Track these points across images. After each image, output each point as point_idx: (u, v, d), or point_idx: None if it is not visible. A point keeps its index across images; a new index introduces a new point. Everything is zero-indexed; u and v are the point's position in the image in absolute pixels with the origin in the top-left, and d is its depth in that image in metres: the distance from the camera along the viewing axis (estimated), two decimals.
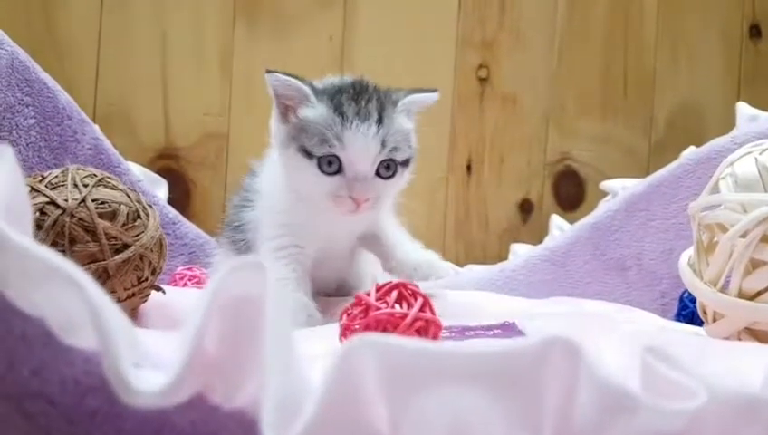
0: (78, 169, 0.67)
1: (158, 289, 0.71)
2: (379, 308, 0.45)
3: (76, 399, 0.28)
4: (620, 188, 1.09)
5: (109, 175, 0.68)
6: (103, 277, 0.63)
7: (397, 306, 0.47)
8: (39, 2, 1.15)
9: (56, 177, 0.65)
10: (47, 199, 0.63)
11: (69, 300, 0.27)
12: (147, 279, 0.67)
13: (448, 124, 1.27)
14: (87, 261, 0.62)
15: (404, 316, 0.45)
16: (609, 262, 1.03)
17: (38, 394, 0.28)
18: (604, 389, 0.25)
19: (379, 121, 0.70)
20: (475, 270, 1.16)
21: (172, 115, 1.19)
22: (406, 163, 0.74)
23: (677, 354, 0.44)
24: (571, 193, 1.31)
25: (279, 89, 0.72)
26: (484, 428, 0.24)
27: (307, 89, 0.71)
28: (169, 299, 0.73)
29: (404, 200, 1.25)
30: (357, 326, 0.45)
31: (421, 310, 0.46)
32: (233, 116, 1.21)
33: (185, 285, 0.94)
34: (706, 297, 0.57)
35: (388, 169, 0.72)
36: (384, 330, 0.45)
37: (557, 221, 1.19)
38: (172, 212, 1.03)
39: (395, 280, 0.47)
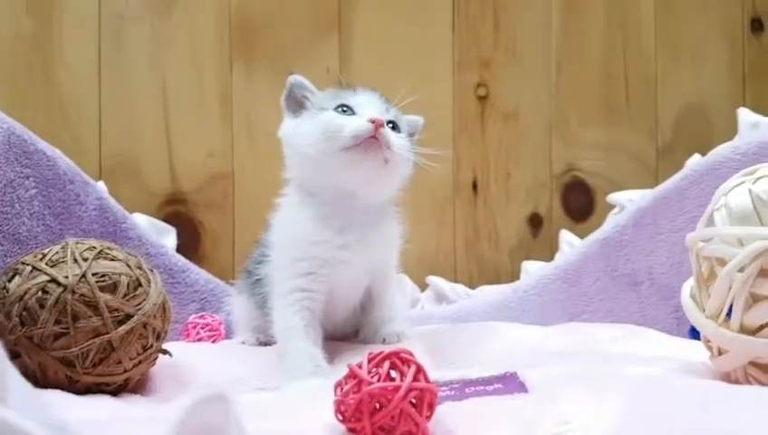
0: (77, 243, 0.68)
1: (165, 352, 0.72)
2: (371, 382, 0.45)
3: None
4: (627, 201, 1.08)
5: (108, 245, 0.69)
6: (108, 350, 0.64)
7: (394, 372, 0.47)
8: (39, 63, 1.17)
9: (56, 253, 0.66)
10: (48, 278, 0.64)
11: None
12: (152, 346, 0.68)
13: (450, 145, 1.27)
14: (91, 335, 0.64)
15: (397, 389, 0.45)
16: (621, 278, 1.02)
17: None
18: None
19: (382, 96, 0.79)
20: (486, 291, 1.16)
21: (176, 160, 1.21)
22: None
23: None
24: (581, 204, 1.30)
25: (296, 88, 0.80)
26: None
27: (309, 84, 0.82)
28: (177, 360, 0.74)
29: (411, 226, 1.26)
30: (351, 401, 0.45)
31: (415, 378, 0.46)
32: (236, 155, 1.22)
33: (197, 333, 0.95)
34: (709, 332, 0.56)
35: (393, 128, 0.77)
36: (378, 404, 0.45)
37: (566, 237, 1.18)
38: (181, 260, 1.04)
39: (386, 349, 0.47)
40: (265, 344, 0.85)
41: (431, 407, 0.47)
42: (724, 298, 0.54)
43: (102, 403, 0.62)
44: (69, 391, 0.62)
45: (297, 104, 0.81)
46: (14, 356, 0.63)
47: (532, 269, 1.15)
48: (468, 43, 1.28)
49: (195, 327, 0.96)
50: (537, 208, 1.29)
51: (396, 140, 0.76)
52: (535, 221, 1.29)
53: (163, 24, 1.20)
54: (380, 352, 0.47)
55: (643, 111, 1.31)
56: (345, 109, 0.76)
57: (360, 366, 0.46)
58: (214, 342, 0.93)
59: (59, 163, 0.85)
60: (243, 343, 0.88)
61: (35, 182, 0.81)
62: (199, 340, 0.94)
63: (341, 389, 0.47)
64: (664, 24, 1.29)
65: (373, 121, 0.73)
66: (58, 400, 0.59)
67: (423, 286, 1.20)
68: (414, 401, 0.46)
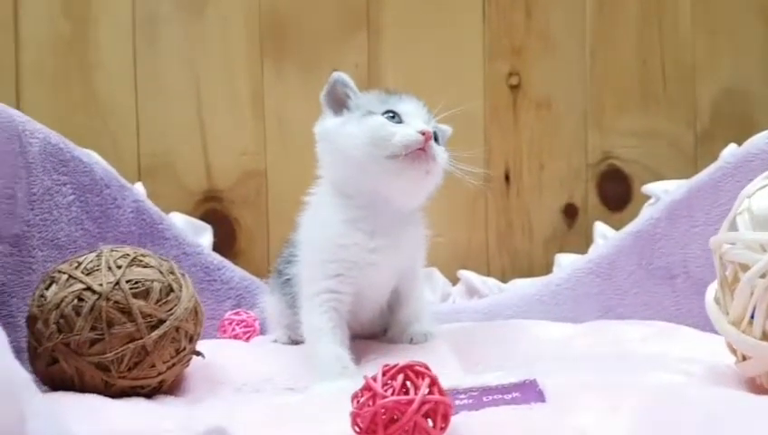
0: (112, 251, 0.70)
1: (198, 354, 0.74)
2: (384, 396, 0.46)
3: None
4: (662, 192, 1.06)
5: (142, 252, 0.72)
6: (142, 354, 0.67)
7: (409, 384, 0.48)
8: (76, 65, 1.21)
9: (91, 261, 0.69)
10: (84, 286, 0.67)
11: None
12: (185, 349, 0.71)
13: (482, 136, 1.26)
14: (125, 341, 0.66)
15: (410, 402, 0.46)
16: (656, 271, 1.01)
17: None
18: None
19: (425, 106, 0.80)
20: (519, 285, 1.16)
21: (212, 158, 1.23)
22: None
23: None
24: (618, 192, 1.28)
25: (339, 84, 0.80)
26: None
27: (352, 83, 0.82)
28: (210, 361, 0.76)
29: (443, 219, 1.26)
30: (366, 413, 0.46)
31: (429, 391, 0.47)
32: (268, 153, 1.24)
33: (233, 330, 0.97)
34: (731, 338, 0.55)
35: (435, 139, 0.77)
36: (392, 417, 0.46)
37: (600, 228, 1.17)
38: (217, 258, 1.06)
39: (401, 363, 0.48)
40: (297, 342, 0.87)
41: (445, 419, 0.47)
42: (746, 304, 0.54)
43: (137, 406, 0.64)
44: (105, 394, 0.65)
45: (338, 102, 0.81)
46: (53, 362, 0.66)
47: (565, 262, 1.14)
48: (499, 32, 1.27)
49: (230, 324, 0.98)
50: (572, 199, 1.28)
51: (442, 154, 0.78)
52: (570, 211, 1.28)
53: (195, 25, 1.22)
54: (395, 365, 0.48)
55: (680, 97, 1.27)
56: (393, 115, 0.76)
57: (374, 379, 0.47)
58: (249, 338, 0.96)
59: (95, 169, 0.88)
60: (275, 340, 0.90)
61: (72, 189, 0.84)
62: (235, 336, 0.96)
63: (358, 401, 0.48)
64: (701, 7, 1.25)
65: (423, 133, 0.74)
66: (95, 403, 0.62)
67: (455, 280, 1.21)
68: (428, 413, 0.47)
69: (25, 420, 0.31)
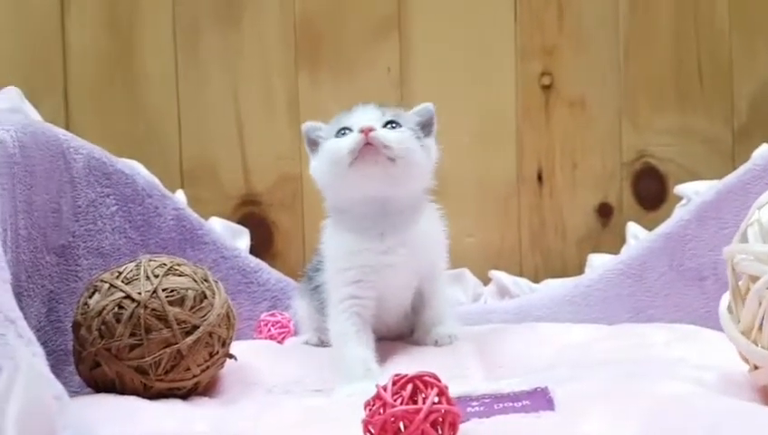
0: (150, 260, 0.75)
1: (231, 357, 0.78)
2: (393, 405, 0.49)
3: None
4: (693, 193, 1.06)
5: (178, 261, 0.76)
6: (178, 358, 0.71)
7: (421, 395, 0.50)
8: (121, 76, 1.26)
9: (131, 271, 0.73)
10: (124, 294, 0.71)
11: None
12: (218, 352, 0.75)
13: (514, 136, 1.27)
14: (162, 346, 0.71)
15: (418, 411, 0.48)
16: (686, 273, 1.01)
17: None
18: None
19: (381, 105, 0.84)
20: (550, 285, 1.17)
21: (250, 163, 1.28)
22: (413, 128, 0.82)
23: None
24: (653, 191, 1.27)
25: (310, 132, 0.87)
26: None
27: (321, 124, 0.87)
28: (243, 363, 0.80)
29: (474, 219, 1.27)
30: (376, 421, 0.49)
31: (438, 401, 0.49)
32: (304, 157, 1.27)
33: (268, 330, 1.01)
34: (741, 347, 0.56)
35: (393, 127, 0.80)
36: (401, 426, 0.49)
37: (632, 229, 1.17)
38: (254, 261, 1.10)
39: (410, 373, 0.51)
40: (326, 344, 0.90)
41: (453, 427, 0.50)
42: (755, 314, 0.54)
43: (173, 407, 0.68)
44: (144, 396, 0.69)
45: (315, 145, 0.86)
46: (96, 366, 0.71)
47: (597, 263, 1.15)
48: (531, 31, 1.27)
49: (266, 325, 1.02)
50: (606, 198, 1.28)
51: (394, 135, 0.79)
52: (604, 211, 1.28)
53: (233, 35, 1.26)
54: (404, 376, 0.51)
55: (717, 94, 1.26)
56: (344, 131, 0.80)
57: (385, 389, 0.50)
58: (284, 339, 1.00)
59: (137, 180, 0.93)
60: (306, 342, 0.94)
61: (115, 199, 0.89)
62: (270, 337, 1.00)
63: (369, 408, 0.51)
64: (738, 4, 1.23)
65: (362, 130, 0.77)
66: (134, 405, 0.67)
67: (486, 280, 1.22)
68: (436, 421, 0.49)
69: (56, 433, 0.34)
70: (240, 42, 1.27)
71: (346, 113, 0.83)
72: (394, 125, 0.81)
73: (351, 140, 0.78)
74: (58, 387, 0.40)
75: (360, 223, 0.81)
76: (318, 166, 0.84)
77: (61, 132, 0.82)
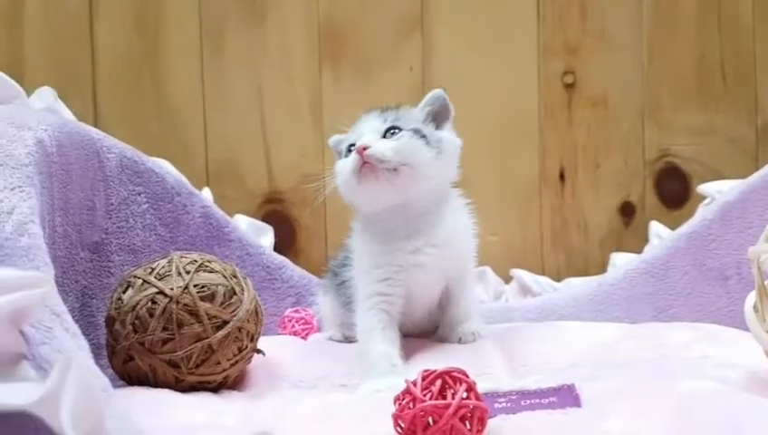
0: (181, 257, 0.77)
1: (259, 352, 0.80)
2: (423, 400, 0.50)
3: None
4: (716, 193, 1.05)
5: (209, 258, 0.78)
6: (208, 352, 0.73)
7: (450, 390, 0.51)
8: (148, 76, 1.28)
9: (163, 267, 0.75)
10: (157, 290, 0.73)
11: None
12: (246, 347, 0.76)
13: (537, 135, 1.28)
14: (193, 340, 0.72)
15: (447, 406, 0.49)
16: (710, 272, 1.01)
17: None
18: None
19: (384, 110, 0.84)
20: (572, 284, 1.17)
21: (273, 161, 1.29)
22: (422, 135, 0.82)
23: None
24: (676, 190, 1.27)
25: (335, 146, 0.90)
26: None
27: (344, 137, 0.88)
28: (270, 358, 0.82)
29: (496, 217, 1.28)
30: (406, 416, 0.50)
31: (466, 396, 0.50)
32: (326, 155, 1.29)
33: (292, 326, 1.03)
34: (766, 346, 0.56)
35: (393, 132, 0.81)
36: (430, 420, 0.50)
37: (655, 228, 1.17)
38: (278, 258, 1.12)
39: (439, 369, 0.52)
40: (350, 340, 0.92)
41: (482, 422, 0.51)
42: None
43: (204, 399, 0.70)
44: (176, 389, 0.71)
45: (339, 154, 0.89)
46: (129, 359, 0.73)
47: (620, 262, 1.15)
48: (554, 30, 1.28)
49: (290, 321, 1.04)
50: (629, 197, 1.28)
51: (390, 145, 0.79)
52: (627, 210, 1.28)
53: (257, 35, 1.28)
54: (434, 371, 0.52)
55: (741, 92, 1.25)
56: (351, 147, 0.82)
57: (415, 384, 0.51)
58: (307, 335, 1.01)
59: (167, 178, 0.95)
60: (330, 338, 0.95)
61: (146, 198, 0.91)
62: (294, 333, 1.02)
63: (399, 403, 0.52)
64: (763, 1, 1.23)
65: (357, 151, 0.79)
66: (166, 397, 0.68)
67: (508, 279, 1.23)
68: (465, 416, 0.50)
69: (104, 421, 0.36)
70: (264, 42, 1.28)
71: (355, 124, 0.85)
72: (394, 131, 0.81)
73: (352, 161, 0.80)
74: (104, 379, 0.42)
75: (387, 226, 0.83)
76: (338, 182, 0.86)
77: (94, 132, 0.84)
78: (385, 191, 0.80)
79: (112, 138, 0.88)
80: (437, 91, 0.87)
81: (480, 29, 1.27)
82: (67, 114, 0.92)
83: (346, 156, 0.83)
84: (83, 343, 0.44)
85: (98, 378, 0.40)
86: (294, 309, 1.06)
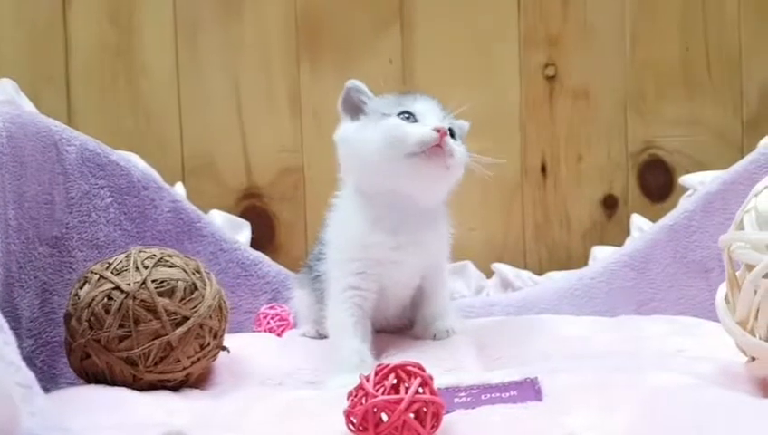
0: (140, 252, 0.74)
1: (224, 349, 0.78)
2: (375, 395, 0.48)
3: None
4: (699, 184, 1.03)
5: (169, 252, 0.76)
6: (167, 350, 0.71)
7: (404, 385, 0.49)
8: (123, 70, 1.26)
9: (121, 262, 0.73)
10: (113, 285, 0.71)
11: None
12: (209, 344, 0.74)
13: (518, 128, 1.26)
14: (151, 337, 0.70)
15: (399, 401, 0.47)
16: (691, 265, 0.99)
17: None
18: None
19: (439, 103, 0.81)
20: (553, 278, 1.15)
21: (251, 156, 1.27)
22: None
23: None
24: (660, 183, 1.25)
25: (353, 92, 0.82)
26: None
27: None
28: (237, 354, 0.79)
29: (478, 211, 1.26)
30: (358, 411, 0.48)
31: (421, 391, 0.48)
32: (305, 149, 1.26)
33: (267, 323, 1.01)
34: (737, 338, 0.54)
35: (452, 135, 0.78)
36: (382, 416, 0.48)
37: (637, 221, 1.15)
38: (254, 254, 1.10)
39: (392, 363, 0.50)
40: (324, 337, 0.89)
41: (437, 417, 0.49)
42: (750, 304, 0.53)
43: (161, 398, 0.68)
44: (133, 388, 0.69)
45: (354, 109, 0.82)
46: (86, 357, 0.70)
47: (600, 255, 1.13)
48: (535, 22, 1.25)
49: (265, 317, 1.01)
50: (612, 190, 1.26)
51: (456, 147, 0.78)
52: (609, 203, 1.26)
53: (234, 28, 1.26)
54: (387, 365, 0.49)
55: (726, 84, 1.23)
56: (408, 115, 0.78)
57: (367, 379, 0.49)
58: (282, 331, 0.99)
59: (132, 172, 0.93)
60: (303, 334, 0.93)
61: (110, 191, 0.89)
62: (269, 330, 0.99)
63: (352, 399, 0.50)
64: None
65: (438, 130, 0.75)
66: (122, 396, 0.66)
67: (490, 273, 1.21)
68: (419, 411, 0.48)
69: (20, 419, 0.34)
70: (241, 34, 1.26)
71: (406, 96, 0.81)
72: (452, 134, 0.79)
73: (424, 133, 0.75)
74: (27, 375, 0.39)
75: (375, 212, 0.79)
76: (364, 137, 0.79)
77: (53, 123, 0.82)
78: (429, 180, 0.78)
79: (73, 130, 0.86)
80: (466, 124, 0.87)
81: (460, 21, 1.25)
82: (28, 106, 0.89)
83: (401, 116, 0.77)
84: (10, 338, 0.41)
85: (18, 373, 0.38)
86: (270, 305, 1.04)
